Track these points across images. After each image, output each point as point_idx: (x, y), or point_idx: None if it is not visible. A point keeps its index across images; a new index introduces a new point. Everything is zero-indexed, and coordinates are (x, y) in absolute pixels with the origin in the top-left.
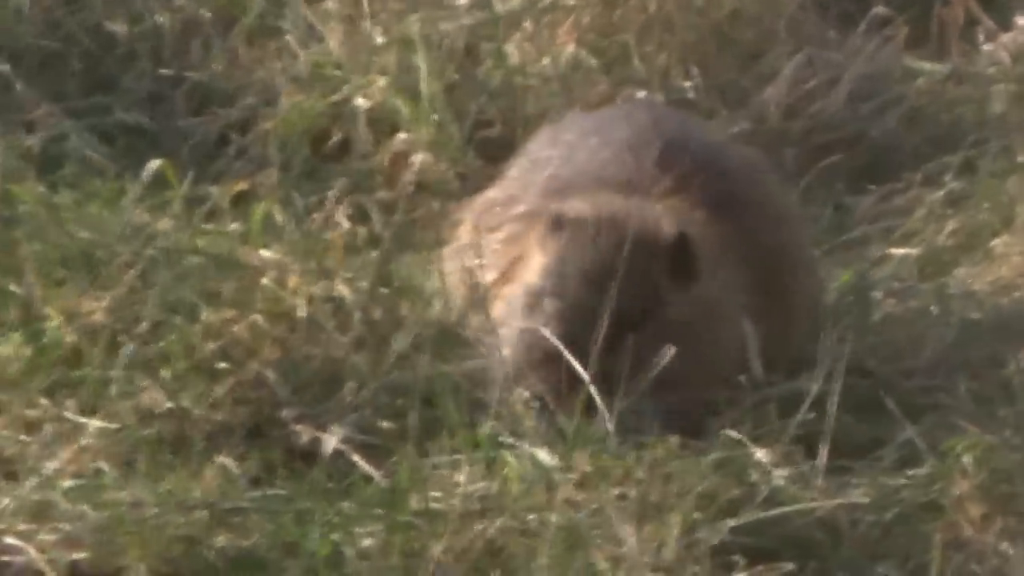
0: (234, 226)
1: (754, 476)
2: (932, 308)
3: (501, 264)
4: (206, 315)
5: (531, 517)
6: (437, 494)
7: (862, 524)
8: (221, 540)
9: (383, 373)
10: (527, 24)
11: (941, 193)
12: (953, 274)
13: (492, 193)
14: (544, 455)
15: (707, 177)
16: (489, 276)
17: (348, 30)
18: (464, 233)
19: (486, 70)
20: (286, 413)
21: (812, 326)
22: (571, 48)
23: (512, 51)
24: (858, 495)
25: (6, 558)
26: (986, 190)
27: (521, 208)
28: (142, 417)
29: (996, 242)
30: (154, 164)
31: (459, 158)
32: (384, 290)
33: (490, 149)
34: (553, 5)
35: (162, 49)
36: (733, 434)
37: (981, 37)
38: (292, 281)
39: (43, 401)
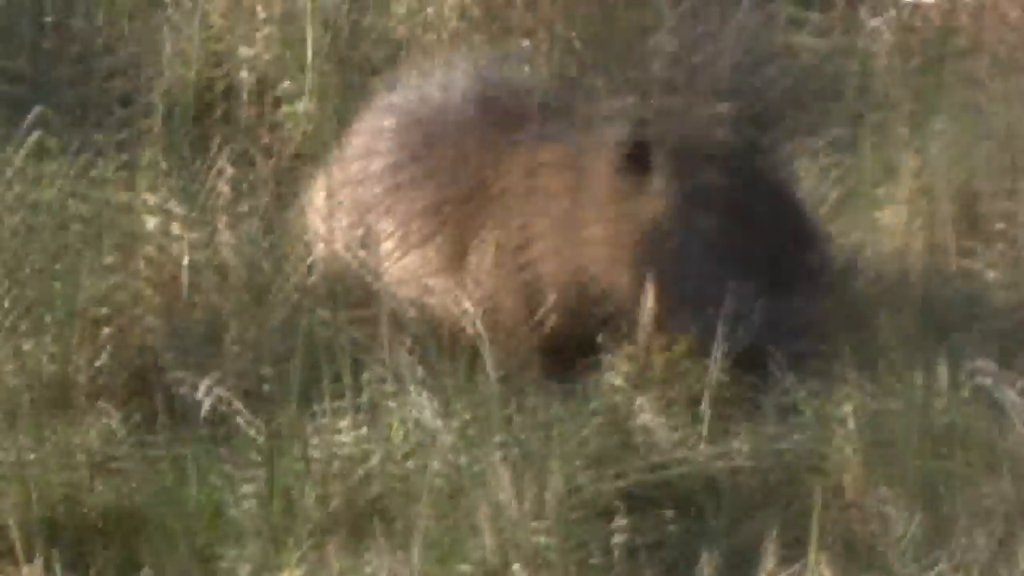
0: (120, 196)
1: (636, 427)
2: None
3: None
4: (89, 270)
5: (411, 467)
6: (317, 444)
7: (743, 480)
8: (102, 494)
9: (265, 324)
10: None
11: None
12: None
13: (337, 173)
14: (425, 404)
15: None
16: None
17: (231, 3)
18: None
19: (371, 40)
20: (168, 362)
21: None
22: (455, 22)
23: (395, 27)
24: (739, 454)
25: None
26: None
27: (388, 183)
28: (25, 372)
29: (878, 191)
30: (34, 136)
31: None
32: (265, 246)
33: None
34: None
35: (42, 23)
36: (616, 382)
37: (864, 14)
38: (176, 228)
39: None
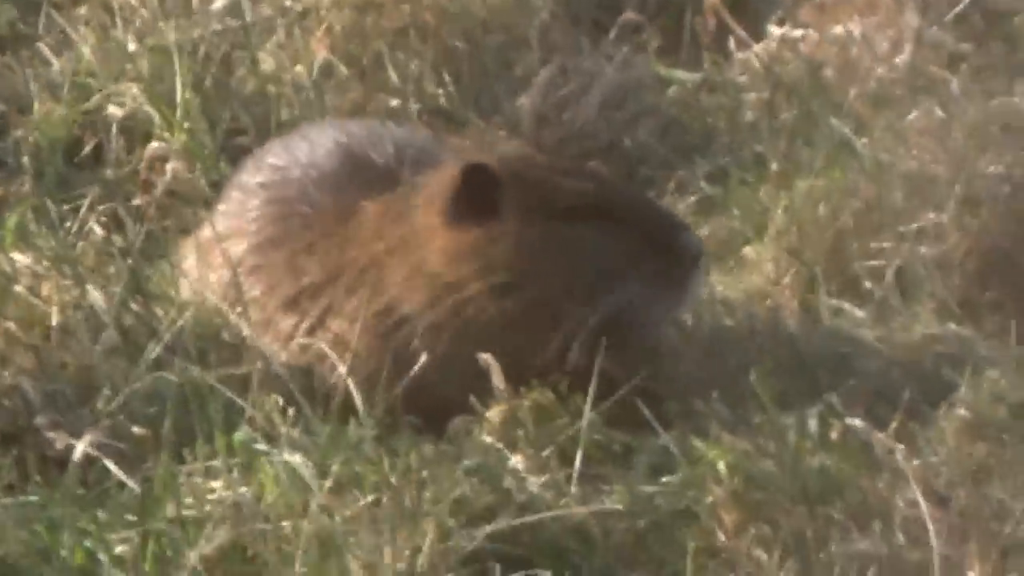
0: None
1: (509, 483)
2: (685, 316)
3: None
4: None
5: (285, 524)
6: (191, 501)
7: (616, 532)
8: None
9: (137, 379)
10: (280, 31)
11: (693, 200)
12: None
13: (208, 232)
14: (298, 461)
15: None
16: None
17: (101, 37)
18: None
19: (239, 78)
20: (40, 420)
21: None
22: (324, 56)
23: (265, 59)
24: (612, 502)
25: None
26: (738, 198)
27: (256, 239)
28: None
29: (748, 250)
30: None
31: (212, 166)
32: (137, 297)
33: (243, 157)
34: (305, 13)
35: None
36: (488, 440)
37: (733, 46)
38: (45, 288)
39: None
